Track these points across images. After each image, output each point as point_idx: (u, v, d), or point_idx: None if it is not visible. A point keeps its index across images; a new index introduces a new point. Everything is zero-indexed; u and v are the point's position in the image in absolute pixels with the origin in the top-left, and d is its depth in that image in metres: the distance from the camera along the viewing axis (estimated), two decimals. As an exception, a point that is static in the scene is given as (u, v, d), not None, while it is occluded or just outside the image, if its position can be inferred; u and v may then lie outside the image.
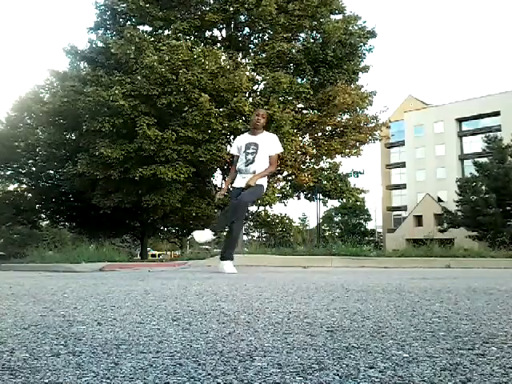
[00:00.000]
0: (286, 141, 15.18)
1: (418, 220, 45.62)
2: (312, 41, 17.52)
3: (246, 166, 4.60)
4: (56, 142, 19.62)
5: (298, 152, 16.99)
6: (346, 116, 18.04)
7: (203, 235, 4.40)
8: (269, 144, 4.68)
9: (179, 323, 1.41)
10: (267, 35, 17.81)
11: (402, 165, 50.25)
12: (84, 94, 15.23)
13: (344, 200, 20.26)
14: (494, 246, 12.36)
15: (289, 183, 18.85)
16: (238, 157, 4.77)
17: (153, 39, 16.44)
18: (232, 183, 4.83)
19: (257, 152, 4.59)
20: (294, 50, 16.89)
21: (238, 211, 4.51)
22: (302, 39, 18.18)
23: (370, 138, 17.92)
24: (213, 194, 18.27)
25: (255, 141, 4.65)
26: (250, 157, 4.59)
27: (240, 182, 4.61)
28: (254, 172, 4.57)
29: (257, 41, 18.72)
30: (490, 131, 35.89)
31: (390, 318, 1.50)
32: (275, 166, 4.80)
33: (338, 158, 18.62)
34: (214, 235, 4.45)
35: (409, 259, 6.94)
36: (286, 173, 18.64)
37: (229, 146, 17.65)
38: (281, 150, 4.82)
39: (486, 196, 28.29)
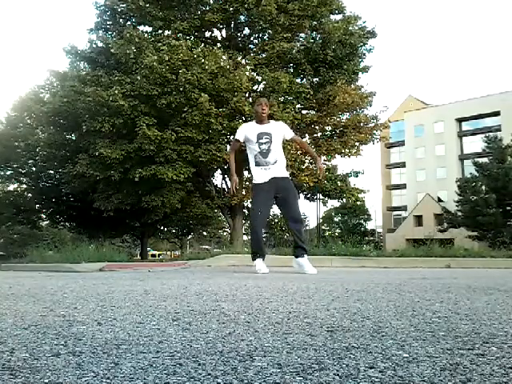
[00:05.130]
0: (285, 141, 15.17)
1: (418, 220, 45.61)
2: (312, 41, 17.53)
3: (265, 157, 4.49)
4: (56, 143, 19.63)
5: (298, 152, 16.99)
6: (346, 116, 18.05)
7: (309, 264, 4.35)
8: (280, 131, 4.64)
9: (179, 323, 1.41)
10: (267, 35, 17.82)
11: (402, 165, 50.24)
12: (84, 94, 15.23)
13: (344, 200, 20.26)
14: (494, 246, 12.36)
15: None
16: (239, 144, 4.68)
17: (153, 39, 16.46)
18: (234, 173, 4.74)
19: (271, 141, 4.51)
20: (294, 50, 16.90)
21: (302, 230, 4.50)
22: (302, 39, 18.19)
23: (370, 137, 17.93)
24: (213, 194, 18.27)
25: (266, 130, 4.54)
26: (264, 146, 4.49)
27: (263, 175, 4.49)
28: (276, 161, 4.50)
29: (257, 41, 18.73)
30: (490, 131, 35.86)
31: (390, 318, 1.50)
32: (306, 143, 4.77)
33: (336, 160, 18.67)
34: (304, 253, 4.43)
35: (409, 259, 6.93)
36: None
37: (228, 146, 17.67)
38: (293, 134, 4.82)
39: (486, 196, 28.26)
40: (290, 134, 4.74)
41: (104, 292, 2.39)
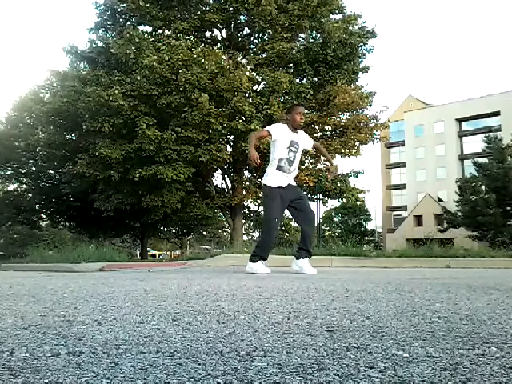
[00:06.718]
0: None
1: (418, 220, 45.62)
2: (312, 41, 17.52)
3: (290, 165, 4.52)
4: (56, 142, 19.62)
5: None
6: (346, 116, 18.03)
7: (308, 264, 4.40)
8: (304, 143, 4.73)
9: (179, 323, 1.41)
10: (267, 35, 17.81)
11: (402, 165, 50.25)
12: (84, 93, 15.23)
13: (344, 200, 20.24)
14: (494, 245, 12.35)
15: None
16: (266, 136, 4.64)
17: (153, 39, 16.45)
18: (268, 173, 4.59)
19: (297, 152, 4.57)
20: (294, 50, 16.88)
21: (313, 233, 4.69)
22: (302, 39, 18.18)
23: (370, 137, 17.92)
24: (213, 194, 18.26)
25: (297, 140, 4.59)
26: (292, 155, 4.52)
27: (281, 180, 4.47)
28: (295, 171, 4.61)
29: (257, 41, 18.73)
30: (490, 131, 35.83)
31: (390, 318, 1.50)
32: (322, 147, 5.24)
33: (336, 160, 18.65)
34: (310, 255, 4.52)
35: (409, 259, 6.94)
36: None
37: (228, 146, 17.66)
38: (313, 141, 4.92)
39: (486, 196, 28.27)
40: (310, 143, 4.82)
41: (104, 292, 2.39)
